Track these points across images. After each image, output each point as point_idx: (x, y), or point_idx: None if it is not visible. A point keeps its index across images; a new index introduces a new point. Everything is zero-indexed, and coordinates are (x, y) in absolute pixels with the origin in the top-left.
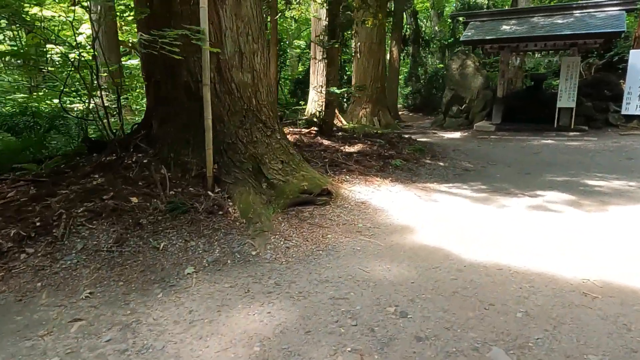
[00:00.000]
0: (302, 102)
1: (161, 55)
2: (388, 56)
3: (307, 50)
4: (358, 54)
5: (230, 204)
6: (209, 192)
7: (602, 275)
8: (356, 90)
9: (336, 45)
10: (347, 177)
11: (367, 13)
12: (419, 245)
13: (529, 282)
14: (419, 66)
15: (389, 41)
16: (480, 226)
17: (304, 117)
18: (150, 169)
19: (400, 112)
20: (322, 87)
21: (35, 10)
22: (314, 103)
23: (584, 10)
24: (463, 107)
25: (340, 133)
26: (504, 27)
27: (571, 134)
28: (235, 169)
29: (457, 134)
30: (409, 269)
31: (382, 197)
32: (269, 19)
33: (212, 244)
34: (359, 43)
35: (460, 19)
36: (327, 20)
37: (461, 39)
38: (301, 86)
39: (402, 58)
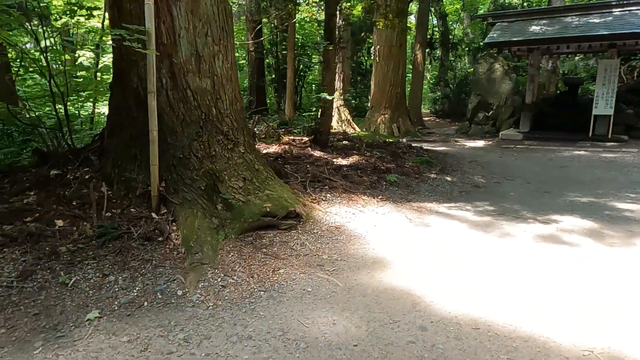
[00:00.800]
0: (313, 109)
1: (115, 59)
2: (413, 60)
3: None
4: (377, 58)
5: (174, 228)
6: (153, 214)
7: (612, 345)
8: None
9: (330, 48)
10: (328, 195)
11: (377, 14)
12: (385, 287)
13: (509, 350)
14: (448, 70)
15: (413, 44)
16: (468, 264)
17: (307, 125)
18: (89, 186)
19: (427, 118)
20: (335, 92)
21: None
22: None
23: (625, 9)
24: (490, 113)
25: (344, 142)
26: (533, 27)
27: (608, 144)
28: (184, 187)
29: (480, 143)
30: (359, 324)
31: (364, 220)
32: (284, 24)
33: (134, 279)
34: (378, 46)
35: (488, 20)
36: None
37: (485, 40)
38: None
39: (429, 62)
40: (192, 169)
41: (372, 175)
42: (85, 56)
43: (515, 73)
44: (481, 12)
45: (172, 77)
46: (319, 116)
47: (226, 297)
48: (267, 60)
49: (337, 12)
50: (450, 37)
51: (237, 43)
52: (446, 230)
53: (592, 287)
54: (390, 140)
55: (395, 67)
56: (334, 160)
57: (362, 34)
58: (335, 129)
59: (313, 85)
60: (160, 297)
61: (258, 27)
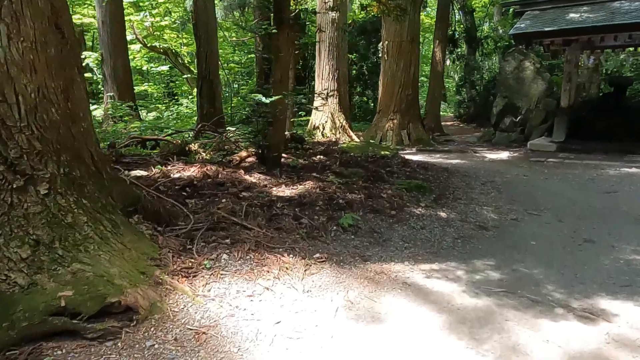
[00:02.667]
0: (302, 113)
1: None
2: (432, 58)
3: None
4: (385, 55)
5: None
6: None
7: None
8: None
9: (272, 30)
10: (225, 255)
11: None
12: None
13: None
14: (474, 70)
15: (433, 41)
16: None
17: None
18: None
19: (450, 123)
20: (327, 92)
21: None
22: (320, 113)
23: None
24: (518, 118)
25: (319, 156)
26: (571, 15)
27: None
28: None
29: (504, 154)
30: None
31: (263, 311)
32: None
33: None
34: (386, 42)
35: (514, 8)
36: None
37: (511, 31)
38: None
39: (452, 61)
40: None
41: (320, 214)
42: None
43: (548, 72)
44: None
45: None
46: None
47: None
48: None
49: None
50: (477, 34)
51: (237, 38)
52: (406, 335)
53: None
54: (387, 153)
55: (406, 66)
56: (274, 188)
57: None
58: (328, 137)
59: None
60: None
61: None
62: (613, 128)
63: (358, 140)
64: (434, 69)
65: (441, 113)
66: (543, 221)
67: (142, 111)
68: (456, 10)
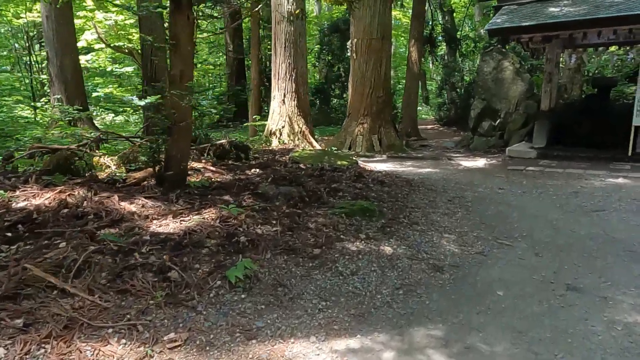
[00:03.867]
0: (256, 117)
1: None
2: (407, 58)
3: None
4: (354, 54)
5: None
6: None
7: None
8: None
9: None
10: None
11: None
12: None
13: None
14: (454, 72)
15: (408, 40)
16: None
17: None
18: None
19: (430, 126)
20: (285, 94)
21: None
22: (277, 117)
23: None
24: (497, 122)
25: (255, 170)
26: (551, 9)
27: None
28: None
29: (481, 162)
30: None
31: None
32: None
33: None
34: (355, 40)
35: (492, 2)
36: None
37: (486, 27)
38: (320, 95)
39: (431, 62)
40: None
41: (205, 260)
42: None
43: (529, 73)
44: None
45: None
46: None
47: None
48: (248, 62)
49: None
50: (457, 34)
51: (211, 39)
52: None
53: None
54: (344, 163)
55: (377, 66)
56: (157, 221)
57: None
58: (285, 144)
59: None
60: None
61: (236, 22)
62: (597, 133)
63: (319, 148)
64: (410, 69)
65: (424, 116)
66: (516, 255)
67: (107, 114)
68: (433, 8)
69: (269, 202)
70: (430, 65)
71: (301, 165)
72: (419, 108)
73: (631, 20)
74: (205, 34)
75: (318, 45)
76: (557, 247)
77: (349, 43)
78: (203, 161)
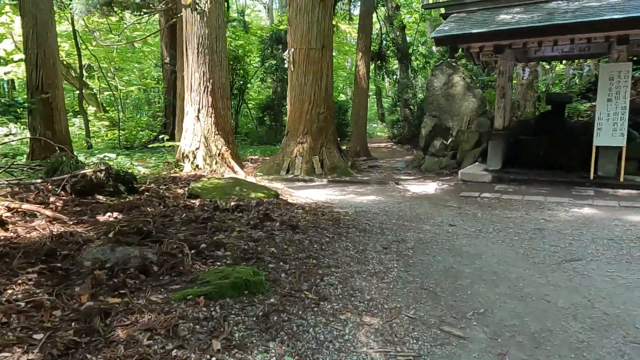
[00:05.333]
0: (164, 137)
1: None
2: (355, 73)
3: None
4: (292, 66)
5: None
6: None
7: None
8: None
9: None
10: None
11: None
12: None
13: None
14: (406, 88)
15: (355, 53)
16: None
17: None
18: None
19: (384, 145)
20: (200, 109)
21: None
22: (190, 136)
23: None
24: (449, 141)
25: (108, 216)
26: (502, 16)
27: (621, 192)
28: None
29: (432, 186)
30: None
31: None
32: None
33: None
34: (292, 50)
35: (440, 10)
36: None
37: (432, 34)
38: (269, 112)
39: (381, 77)
40: None
41: None
42: None
43: (480, 88)
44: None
45: None
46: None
47: None
48: None
49: None
50: (410, 50)
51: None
52: None
53: None
54: (260, 196)
55: (317, 79)
56: None
57: None
58: (200, 169)
59: (250, 104)
60: None
61: (168, 22)
62: (555, 153)
63: (241, 173)
64: (358, 84)
65: (379, 133)
66: (456, 351)
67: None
68: (381, 22)
69: (64, 285)
70: (386, 83)
71: (195, 202)
72: (374, 125)
73: (587, 28)
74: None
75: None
76: (530, 339)
77: (285, 53)
78: (52, 199)
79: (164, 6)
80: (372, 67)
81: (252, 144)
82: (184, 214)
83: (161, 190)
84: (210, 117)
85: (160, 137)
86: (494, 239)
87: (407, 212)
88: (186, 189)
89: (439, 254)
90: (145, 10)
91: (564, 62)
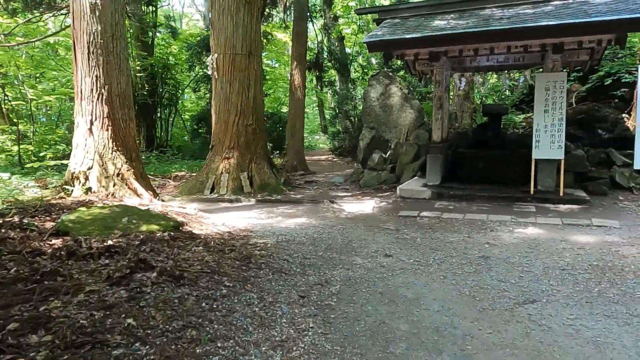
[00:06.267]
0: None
1: None
2: (290, 82)
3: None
4: (215, 73)
5: None
6: None
7: None
8: None
9: None
10: None
11: None
12: None
13: None
14: (346, 99)
15: (290, 62)
16: None
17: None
18: None
19: (325, 157)
20: (92, 121)
21: None
22: (81, 153)
23: None
24: (387, 154)
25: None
26: (437, 22)
27: (562, 208)
28: None
29: (369, 205)
30: None
31: None
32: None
33: None
34: (215, 54)
35: (373, 15)
36: None
37: (364, 39)
38: (203, 124)
39: (320, 87)
40: None
41: None
42: None
43: (418, 99)
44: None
45: None
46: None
47: None
48: None
49: None
50: (348, 61)
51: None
52: None
53: None
54: (154, 228)
55: (243, 88)
56: None
57: None
58: (94, 192)
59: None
60: None
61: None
62: (494, 166)
63: (146, 197)
64: (294, 94)
65: (322, 145)
66: None
67: None
68: (319, 30)
69: None
70: (329, 95)
71: (57, 243)
72: (316, 137)
73: (522, 35)
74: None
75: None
76: None
77: (209, 59)
78: None
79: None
80: (310, 77)
81: (183, 158)
82: (17, 267)
83: (24, 225)
84: (107, 130)
85: (44, 154)
86: (435, 274)
87: (339, 239)
88: (48, 221)
89: (369, 302)
90: (44, 8)
91: (498, 73)
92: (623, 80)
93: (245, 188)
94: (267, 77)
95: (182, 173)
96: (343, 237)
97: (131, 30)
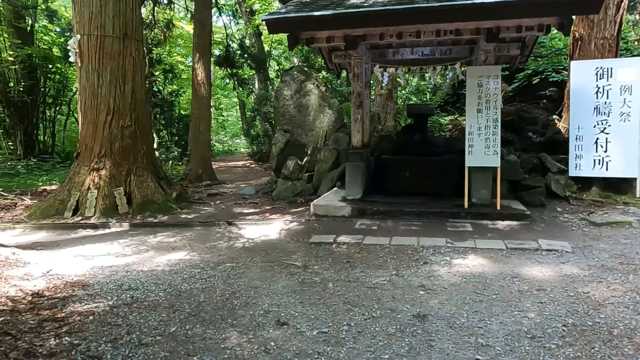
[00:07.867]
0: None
1: None
2: (192, 78)
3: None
4: (78, 59)
5: None
6: None
7: None
8: None
9: None
10: None
11: None
12: None
13: None
14: (265, 100)
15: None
16: None
17: None
18: None
19: (242, 164)
20: None
21: None
22: None
23: None
24: (304, 161)
25: None
26: (354, 0)
27: (501, 225)
28: None
29: (278, 225)
30: None
31: None
32: None
33: None
34: (78, 35)
35: None
36: None
37: (263, 16)
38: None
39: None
40: None
41: None
42: None
43: (341, 102)
44: None
45: None
46: None
47: None
48: None
49: None
50: (263, 57)
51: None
52: None
53: None
54: None
55: (117, 79)
56: None
57: None
58: None
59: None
60: None
61: None
62: (421, 176)
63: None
64: (197, 92)
65: (243, 150)
66: None
67: None
68: (225, 19)
69: None
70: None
71: None
72: (237, 141)
73: (459, 14)
74: None
75: None
76: None
77: (70, 41)
78: None
79: None
80: (223, 74)
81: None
82: None
83: None
84: None
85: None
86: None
87: (218, 290)
88: None
89: None
90: None
91: (423, 69)
92: (550, 80)
93: (121, 207)
94: (183, 75)
95: (54, 187)
96: (226, 285)
97: (2, 14)
